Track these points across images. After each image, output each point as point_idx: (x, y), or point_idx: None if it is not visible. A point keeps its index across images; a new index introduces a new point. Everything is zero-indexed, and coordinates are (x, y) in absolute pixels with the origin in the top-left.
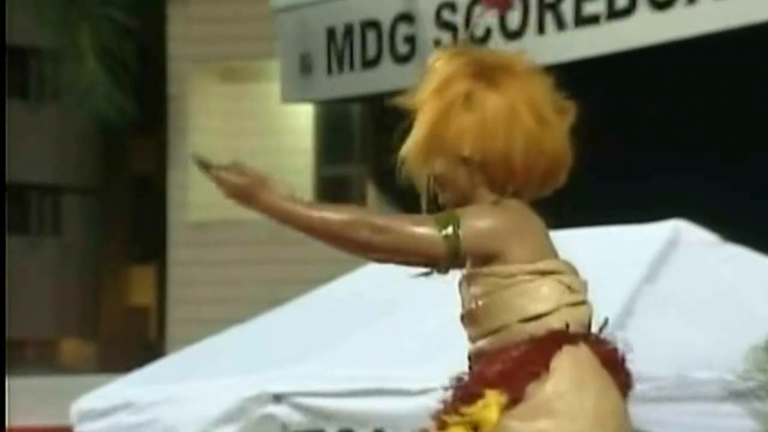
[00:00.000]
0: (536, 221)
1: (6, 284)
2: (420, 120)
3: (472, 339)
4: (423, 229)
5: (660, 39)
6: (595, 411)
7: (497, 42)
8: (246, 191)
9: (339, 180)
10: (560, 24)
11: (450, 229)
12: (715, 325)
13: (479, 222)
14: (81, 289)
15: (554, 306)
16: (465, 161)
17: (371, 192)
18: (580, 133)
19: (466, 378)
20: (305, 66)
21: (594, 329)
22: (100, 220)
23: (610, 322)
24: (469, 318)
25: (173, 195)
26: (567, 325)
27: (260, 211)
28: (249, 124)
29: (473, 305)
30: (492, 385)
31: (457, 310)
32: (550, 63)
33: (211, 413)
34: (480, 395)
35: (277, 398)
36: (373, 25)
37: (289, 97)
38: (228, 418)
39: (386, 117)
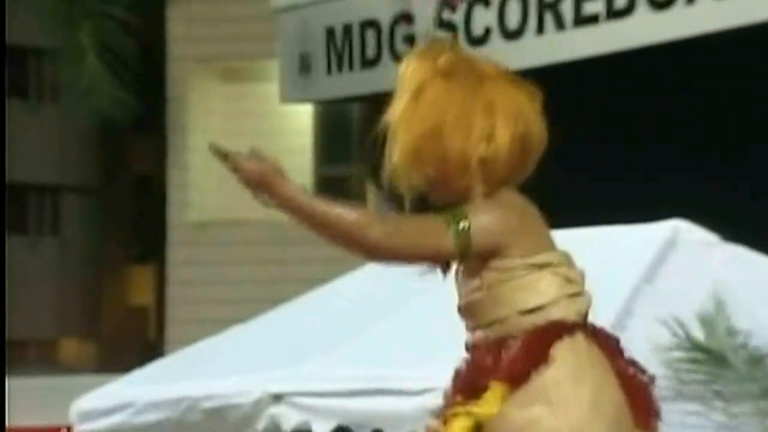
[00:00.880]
0: (534, 212)
1: (6, 284)
2: (404, 129)
3: (470, 329)
4: (433, 229)
5: (659, 39)
6: (591, 401)
7: (496, 42)
8: (265, 179)
9: (338, 179)
10: (560, 24)
11: (460, 227)
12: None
13: (488, 218)
14: (81, 289)
15: (553, 298)
16: (460, 162)
17: (370, 192)
18: (578, 133)
19: (465, 368)
20: (305, 66)
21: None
22: (99, 220)
23: (610, 321)
24: (467, 310)
25: (173, 195)
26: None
27: (276, 201)
28: (249, 124)
29: (473, 297)
30: (493, 375)
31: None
32: (550, 63)
33: (212, 413)
34: (483, 387)
35: (277, 398)
36: (373, 24)
37: (288, 97)
38: (228, 418)
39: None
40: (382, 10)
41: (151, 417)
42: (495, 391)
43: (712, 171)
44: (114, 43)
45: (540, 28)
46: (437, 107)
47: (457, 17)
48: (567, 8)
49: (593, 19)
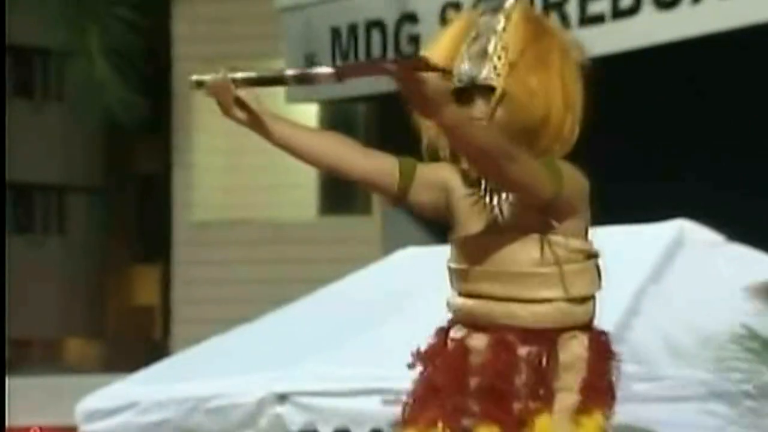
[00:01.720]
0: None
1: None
2: (517, 79)
3: (494, 296)
4: (538, 164)
5: (665, 38)
6: None
7: None
8: (441, 90)
9: (343, 180)
10: (565, 23)
11: (554, 169)
12: (720, 325)
13: (572, 171)
14: (86, 289)
15: (594, 291)
16: (557, 125)
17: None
18: (583, 133)
19: (492, 356)
20: (310, 66)
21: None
22: (104, 220)
23: (616, 321)
24: (516, 278)
25: (178, 195)
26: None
27: (438, 116)
28: None
29: (536, 270)
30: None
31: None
32: None
33: (217, 413)
34: (586, 410)
35: (282, 398)
36: (378, 24)
37: (293, 97)
38: (233, 417)
39: (390, 117)
40: (388, 10)
41: (156, 416)
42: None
43: (718, 171)
44: (121, 44)
45: None
46: (548, 66)
47: None
48: (572, 8)
49: (599, 19)
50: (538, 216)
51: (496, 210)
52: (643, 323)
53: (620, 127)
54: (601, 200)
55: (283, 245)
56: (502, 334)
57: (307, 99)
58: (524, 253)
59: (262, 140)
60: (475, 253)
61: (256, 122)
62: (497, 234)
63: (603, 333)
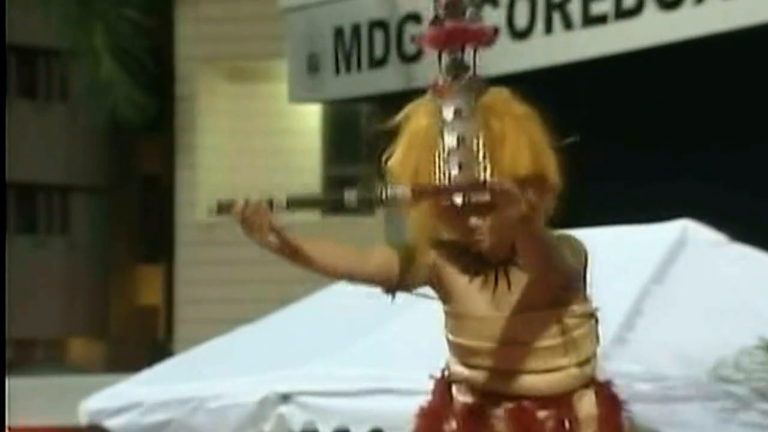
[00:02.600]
0: None
1: (14, 284)
2: (514, 153)
3: (507, 369)
4: (562, 246)
5: (668, 39)
6: None
7: (504, 42)
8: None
9: (346, 180)
10: (568, 24)
11: (575, 248)
12: (723, 325)
13: (575, 243)
14: (89, 289)
15: (596, 348)
16: (552, 186)
17: None
18: (585, 133)
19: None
20: (313, 66)
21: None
22: (108, 220)
23: (619, 322)
24: (531, 354)
25: (181, 195)
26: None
27: (523, 228)
28: (257, 124)
29: (547, 343)
30: None
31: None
32: (558, 63)
33: (220, 413)
34: None
35: (285, 398)
36: (381, 25)
37: (296, 97)
38: (236, 417)
39: (390, 117)
40: (391, 10)
41: (160, 416)
42: None
43: (721, 171)
44: (127, 44)
45: (548, 28)
46: (534, 135)
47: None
48: (575, 8)
49: (601, 19)
50: (553, 291)
51: (506, 289)
52: (646, 323)
53: (623, 128)
54: (603, 201)
55: None
56: (518, 402)
57: (311, 99)
58: (538, 327)
59: (264, 140)
60: (483, 330)
61: (289, 249)
62: (508, 312)
63: (608, 384)
